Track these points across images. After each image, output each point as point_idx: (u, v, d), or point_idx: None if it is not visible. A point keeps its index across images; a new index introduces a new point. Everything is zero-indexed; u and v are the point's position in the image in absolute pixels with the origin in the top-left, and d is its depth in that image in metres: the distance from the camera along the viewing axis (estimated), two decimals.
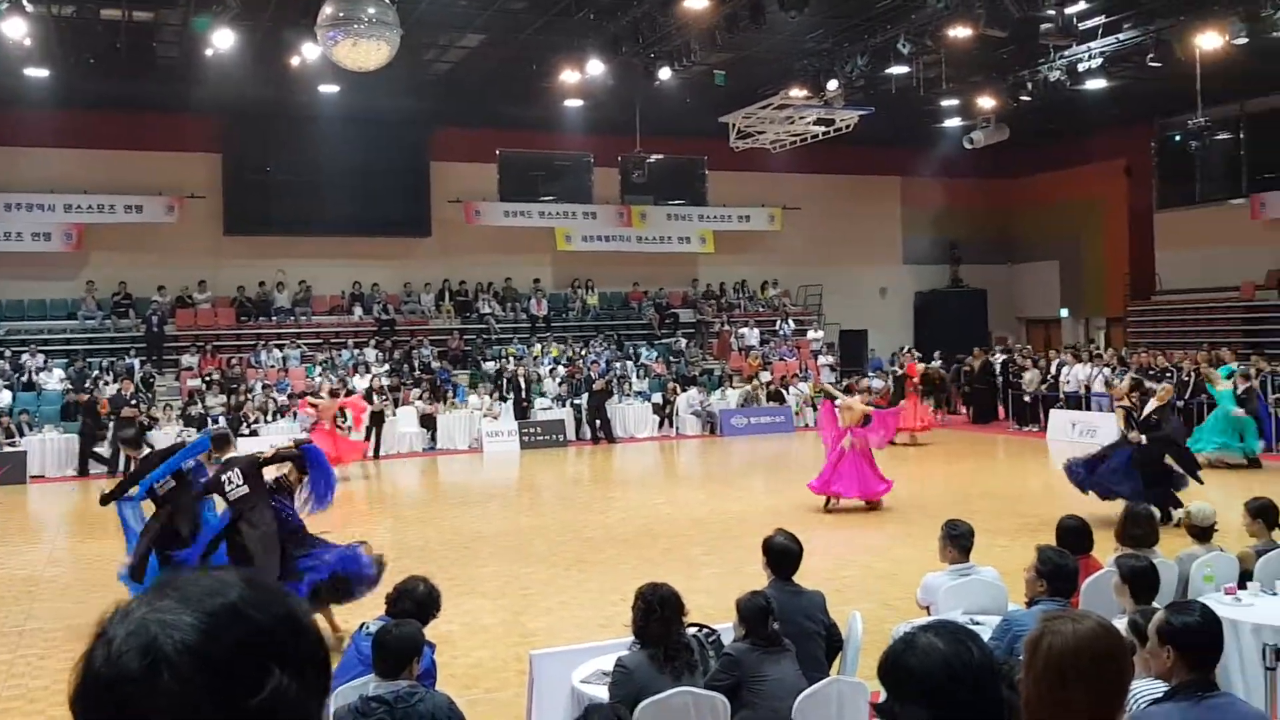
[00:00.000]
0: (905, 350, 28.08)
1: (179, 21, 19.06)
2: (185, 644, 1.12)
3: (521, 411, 23.64)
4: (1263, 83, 24.20)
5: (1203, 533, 7.08)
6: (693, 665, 4.85)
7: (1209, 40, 18.20)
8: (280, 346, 25.10)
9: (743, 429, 24.32)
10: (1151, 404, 12.95)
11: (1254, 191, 26.45)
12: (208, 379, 23.17)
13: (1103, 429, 21.04)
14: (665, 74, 19.85)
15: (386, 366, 24.67)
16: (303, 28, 16.39)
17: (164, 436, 20.56)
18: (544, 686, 5.84)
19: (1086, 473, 12.78)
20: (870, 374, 27.84)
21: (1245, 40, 17.79)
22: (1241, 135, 27.21)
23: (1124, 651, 2.30)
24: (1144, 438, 12.41)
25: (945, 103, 25.07)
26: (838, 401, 15.02)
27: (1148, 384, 14.92)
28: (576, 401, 24.08)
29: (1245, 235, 26.35)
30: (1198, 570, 6.65)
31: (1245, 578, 6.55)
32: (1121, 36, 19.68)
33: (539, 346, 26.60)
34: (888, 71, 20.63)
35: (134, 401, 20.69)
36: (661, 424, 24.66)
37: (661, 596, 4.92)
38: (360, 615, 7.11)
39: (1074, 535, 6.56)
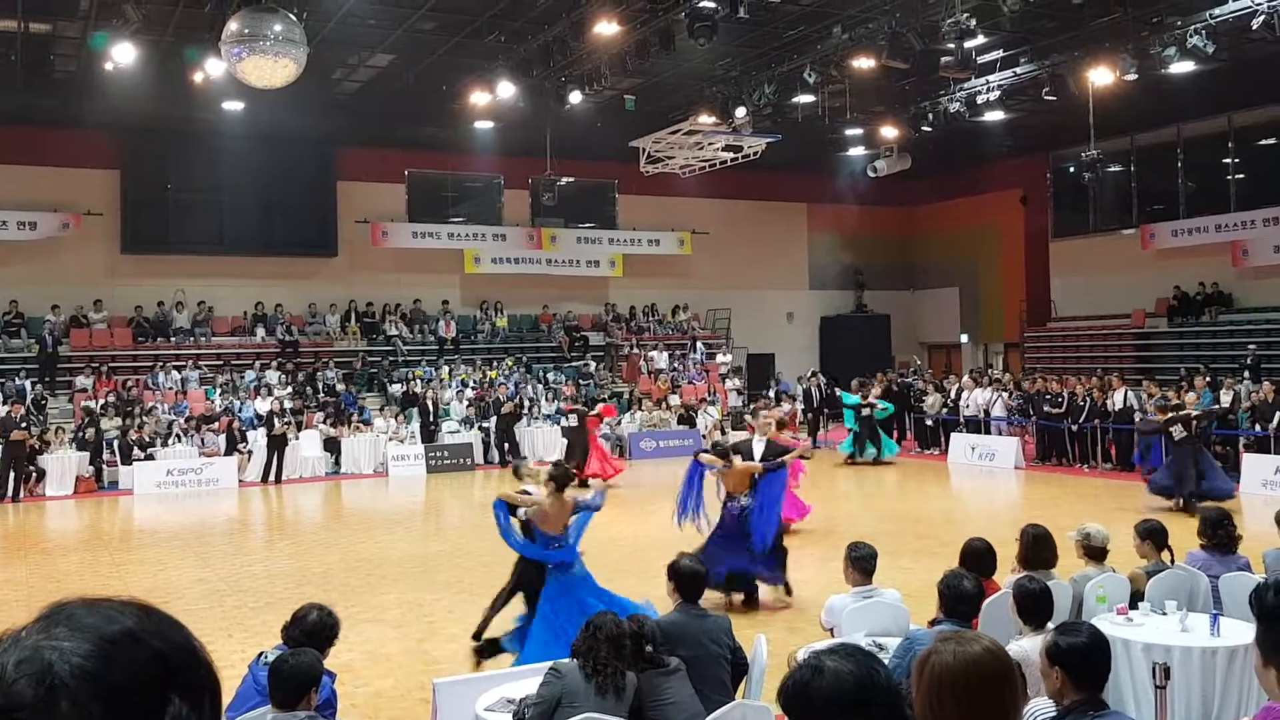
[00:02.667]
0: (811, 374, 28.45)
1: (78, 34, 18.58)
2: (83, 670, 1.06)
3: (428, 434, 23.38)
4: (1152, 118, 25.20)
5: (1098, 553, 7.28)
6: (619, 689, 4.89)
7: (1101, 76, 18.86)
8: (179, 368, 24.45)
9: (651, 452, 24.37)
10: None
11: (1144, 222, 27.44)
12: (103, 401, 22.48)
13: (1001, 452, 21.62)
14: (576, 98, 19.90)
15: (289, 389, 24.20)
16: (207, 44, 16.06)
17: (56, 460, 19.94)
18: (448, 715, 5.76)
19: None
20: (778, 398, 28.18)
21: (1135, 76, 18.47)
22: (1132, 168, 28.24)
23: (1010, 676, 2.31)
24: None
25: (850, 132, 25.57)
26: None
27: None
28: (485, 424, 23.88)
29: (1136, 264, 27.31)
30: (1091, 591, 6.82)
31: (1136, 598, 6.75)
32: (1018, 70, 20.31)
33: (447, 369, 26.36)
34: (794, 100, 20.96)
35: (24, 424, 19.96)
36: None
37: (598, 622, 5.07)
38: (259, 645, 6.94)
39: (979, 557, 6.69)
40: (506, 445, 23.27)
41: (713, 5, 15.60)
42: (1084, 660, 3.39)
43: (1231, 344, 24.31)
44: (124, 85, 19.16)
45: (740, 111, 21.22)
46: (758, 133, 24.10)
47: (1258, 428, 18.75)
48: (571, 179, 27.70)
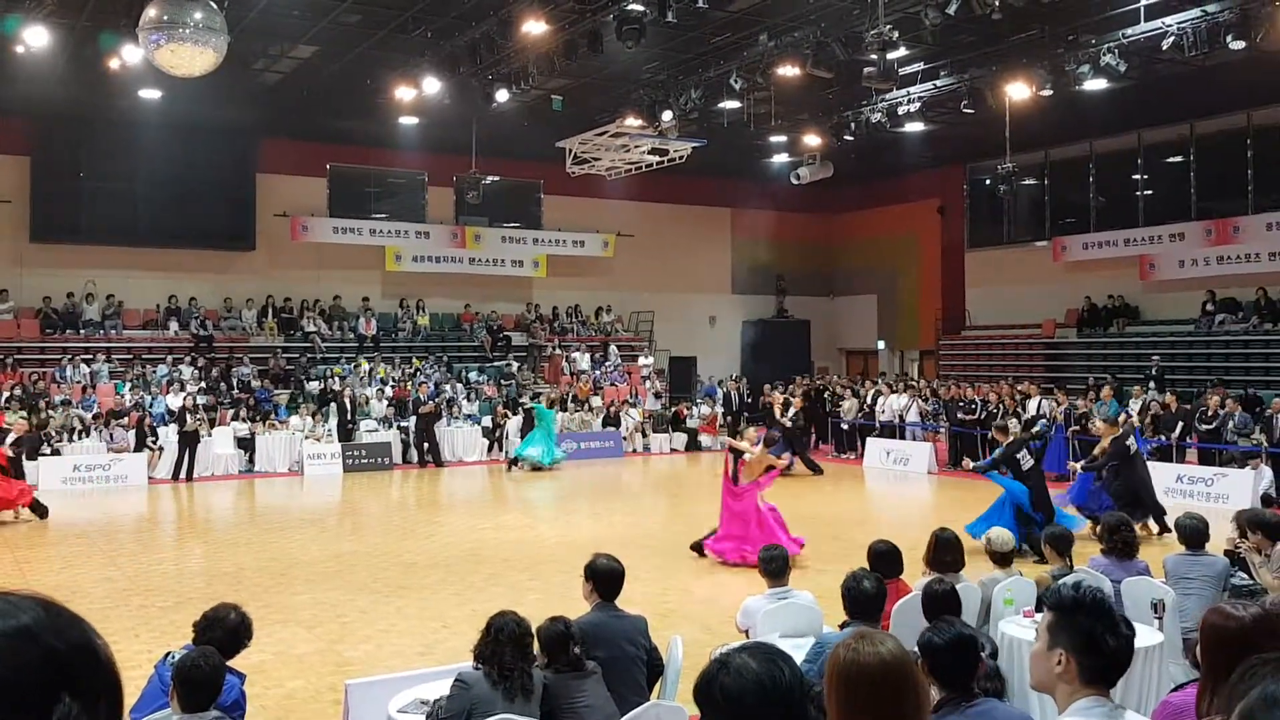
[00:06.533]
0: (733, 378, 28.69)
1: None
2: None
3: (346, 433, 23.08)
4: (1066, 133, 25.85)
5: (1002, 558, 7.47)
6: (528, 690, 4.85)
7: (1018, 90, 19.31)
8: (88, 361, 23.80)
9: (572, 453, 24.33)
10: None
11: (1056, 235, 28.13)
12: (7, 394, 21.79)
13: (915, 457, 22.00)
14: (503, 96, 19.80)
15: (203, 384, 23.70)
16: (124, 29, 15.65)
17: None
18: (360, 717, 5.70)
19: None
20: (698, 400, 28.39)
21: (1050, 92, 18.96)
22: (1046, 181, 28.94)
23: (910, 676, 2.36)
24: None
25: (774, 138, 25.82)
26: (747, 456, 12.89)
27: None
28: (404, 424, 23.64)
29: (1047, 275, 27.98)
30: (999, 594, 6.99)
31: (1042, 601, 6.92)
32: (938, 83, 20.69)
33: (367, 366, 26.03)
34: (720, 106, 21.13)
35: None
36: (491, 448, 24.46)
37: (499, 624, 4.97)
38: (165, 645, 6.80)
39: (884, 559, 6.83)
40: (426, 445, 23.05)
41: (641, 8, 15.65)
42: (943, 658, 3.52)
43: (1137, 355, 25.01)
44: (36, 70, 18.61)
45: (666, 115, 21.31)
46: (683, 137, 24.24)
47: (1161, 437, 19.35)
48: (497, 178, 27.55)
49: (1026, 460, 13.21)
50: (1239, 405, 18.96)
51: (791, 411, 22.37)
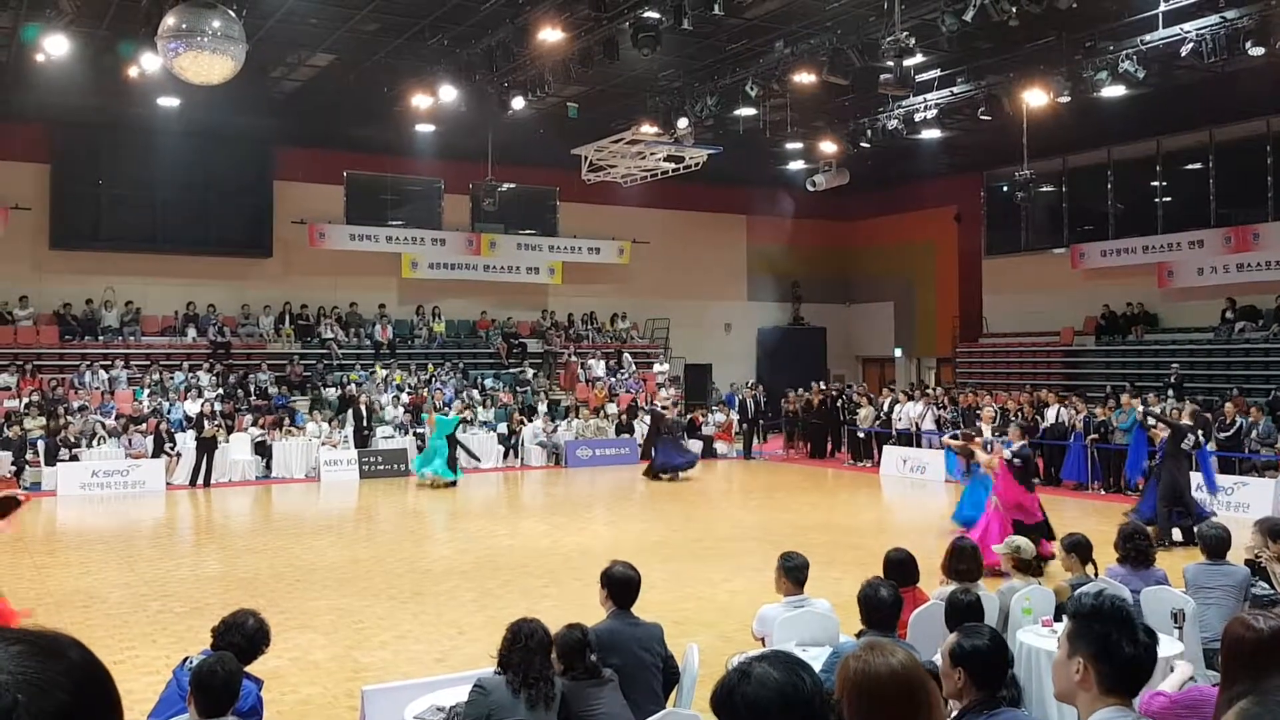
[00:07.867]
0: (748, 384, 28.64)
1: (9, 24, 18.15)
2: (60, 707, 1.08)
3: (362, 439, 23.13)
4: (1084, 140, 25.76)
5: (1027, 566, 7.41)
6: (550, 698, 4.82)
7: (1035, 97, 19.25)
8: (107, 367, 23.95)
9: (588, 460, 24.35)
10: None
11: (1074, 242, 28.00)
12: (27, 400, 21.93)
13: (931, 465, 21.90)
14: (519, 103, 19.85)
15: (220, 391, 23.80)
16: (142, 38, 15.76)
17: None
18: None
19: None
20: (714, 408, 28.35)
21: (1068, 99, 18.88)
22: (1064, 189, 28.82)
23: (923, 687, 2.35)
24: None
25: (790, 145, 25.80)
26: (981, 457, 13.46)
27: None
28: (419, 430, 23.67)
29: (1066, 283, 27.86)
30: (1017, 603, 6.94)
31: (1061, 610, 6.87)
32: (955, 90, 20.65)
33: (383, 372, 26.10)
34: (736, 113, 21.13)
35: None
36: (506, 454, 24.48)
37: (528, 630, 4.93)
38: (183, 650, 6.81)
39: (899, 568, 6.78)
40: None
41: (657, 16, 15.67)
42: (985, 661, 3.49)
43: (1156, 363, 24.87)
44: (56, 78, 18.77)
45: (682, 122, 21.32)
46: (699, 144, 24.25)
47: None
48: (512, 185, 27.61)
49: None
50: (1263, 413, 18.81)
51: (675, 411, 23.12)
